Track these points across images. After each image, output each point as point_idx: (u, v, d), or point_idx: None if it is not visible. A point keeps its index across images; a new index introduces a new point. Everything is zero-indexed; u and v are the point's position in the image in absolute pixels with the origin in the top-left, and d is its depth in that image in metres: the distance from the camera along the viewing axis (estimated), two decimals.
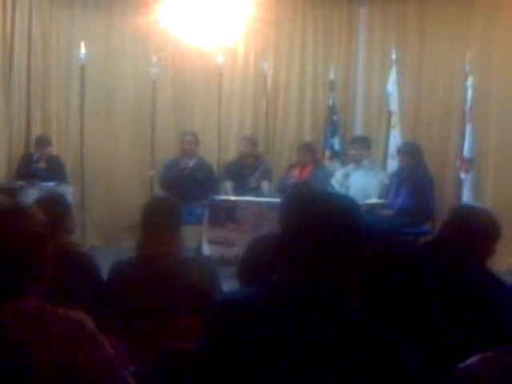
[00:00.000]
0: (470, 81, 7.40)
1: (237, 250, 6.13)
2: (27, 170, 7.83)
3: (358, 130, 8.35)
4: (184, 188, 7.37)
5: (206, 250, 6.94)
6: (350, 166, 7.57)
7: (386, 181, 7.46)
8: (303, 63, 8.54)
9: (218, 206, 7.05)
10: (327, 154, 8.11)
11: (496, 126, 7.70)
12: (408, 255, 2.86)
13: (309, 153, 7.74)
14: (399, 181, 7.20)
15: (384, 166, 7.81)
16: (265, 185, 7.71)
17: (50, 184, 7.44)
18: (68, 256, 3.17)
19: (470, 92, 7.40)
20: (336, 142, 8.12)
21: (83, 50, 7.72)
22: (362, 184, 7.33)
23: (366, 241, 1.70)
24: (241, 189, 7.64)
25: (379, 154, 8.06)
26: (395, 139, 7.75)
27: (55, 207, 3.39)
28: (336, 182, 7.50)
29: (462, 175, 7.41)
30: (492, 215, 2.69)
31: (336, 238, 1.63)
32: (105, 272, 3.34)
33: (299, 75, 8.55)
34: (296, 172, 7.72)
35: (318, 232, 1.63)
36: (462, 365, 1.82)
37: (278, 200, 5.75)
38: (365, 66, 8.41)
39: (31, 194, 6.89)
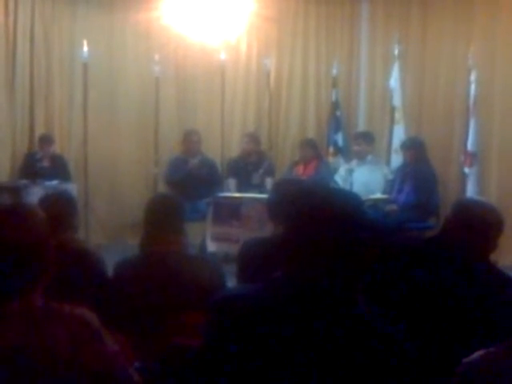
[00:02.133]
0: (473, 75, 7.39)
1: None
2: (31, 168, 7.84)
3: (362, 126, 8.35)
4: (188, 185, 7.37)
5: (210, 246, 6.95)
6: (354, 162, 7.56)
7: (390, 176, 7.46)
8: (306, 59, 8.54)
9: (222, 203, 7.05)
10: (331, 150, 8.11)
11: (499, 120, 7.69)
12: (412, 250, 2.86)
13: (312, 149, 7.75)
14: (403, 176, 7.20)
15: (388, 162, 7.82)
16: (268, 181, 7.70)
17: (54, 182, 7.45)
18: (73, 253, 3.18)
19: (473, 86, 7.39)
20: (339, 138, 8.12)
21: (86, 48, 7.71)
22: (365, 179, 7.33)
23: (370, 236, 1.70)
24: (244, 186, 7.65)
25: (383, 150, 8.06)
26: (399, 134, 7.76)
27: (61, 205, 3.40)
28: (340, 178, 7.50)
29: (466, 169, 7.41)
30: (494, 208, 2.69)
31: (339, 233, 1.64)
32: (109, 270, 3.34)
33: (302, 71, 8.55)
34: (300, 169, 7.72)
35: (321, 228, 1.63)
36: (466, 360, 1.82)
37: None
38: (367, 62, 8.40)
39: (35, 193, 6.91)
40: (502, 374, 1.75)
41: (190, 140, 7.86)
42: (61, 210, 3.34)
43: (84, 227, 7.20)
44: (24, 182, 7.56)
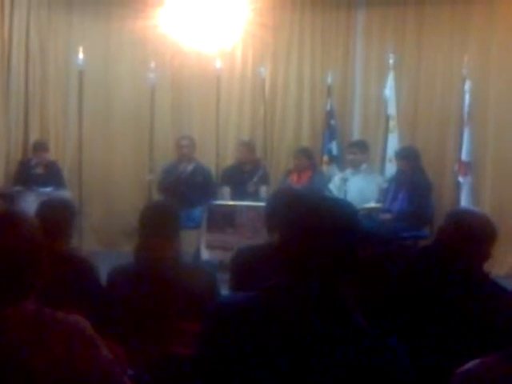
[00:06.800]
0: (467, 85, 7.42)
1: None
2: (25, 175, 7.83)
3: (356, 135, 8.36)
4: (182, 193, 7.37)
5: (205, 254, 6.95)
6: (348, 171, 7.57)
7: (384, 185, 7.46)
8: (301, 68, 8.55)
9: (216, 211, 7.05)
10: (325, 158, 8.10)
11: (494, 129, 7.72)
12: (406, 259, 2.86)
13: (306, 158, 7.74)
14: (397, 185, 7.20)
15: (382, 171, 7.82)
16: (263, 190, 7.70)
17: (48, 189, 7.44)
18: (67, 261, 3.17)
19: (467, 96, 7.42)
20: (334, 147, 8.12)
21: (81, 56, 7.70)
22: (360, 188, 7.33)
23: (364, 245, 1.71)
24: (239, 194, 7.64)
25: (377, 159, 8.07)
26: (393, 143, 7.76)
27: (61, 212, 3.40)
28: (334, 187, 7.51)
29: (460, 179, 7.42)
30: (488, 218, 2.70)
31: (333, 241, 1.64)
32: (103, 277, 3.34)
33: (297, 80, 8.56)
34: (294, 177, 7.72)
35: (315, 236, 1.64)
36: (460, 369, 1.82)
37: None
38: (362, 71, 8.42)
39: (29, 200, 6.91)
40: (496, 383, 1.75)
41: (180, 145, 7.86)
42: (60, 217, 3.34)
43: (78, 234, 7.18)
44: (18, 188, 7.55)
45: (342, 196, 6.92)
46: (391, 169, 7.63)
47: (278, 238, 1.76)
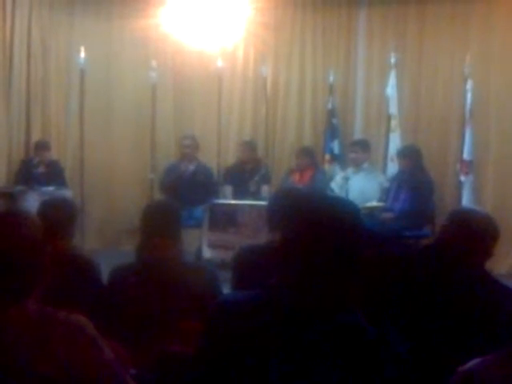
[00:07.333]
0: (469, 84, 7.41)
1: None
2: (27, 174, 7.84)
3: (358, 134, 8.35)
4: (184, 192, 7.37)
5: (206, 253, 6.95)
6: (350, 170, 7.57)
7: (386, 184, 7.45)
8: (302, 67, 8.54)
9: (218, 210, 7.06)
10: (327, 157, 8.10)
11: (495, 128, 7.72)
12: (408, 258, 2.86)
13: (307, 157, 7.74)
14: (399, 184, 7.20)
15: (384, 170, 7.81)
16: (264, 189, 7.70)
17: (50, 188, 7.44)
18: (69, 260, 3.18)
19: (469, 95, 7.41)
20: (336, 146, 8.12)
21: (83, 55, 7.71)
22: (361, 187, 7.33)
23: (366, 243, 1.71)
24: (241, 193, 7.64)
25: (379, 158, 8.06)
26: (395, 142, 7.76)
27: (62, 212, 3.40)
28: (336, 186, 7.50)
29: (462, 178, 7.41)
30: (490, 217, 2.70)
31: (335, 240, 1.64)
32: (104, 276, 3.34)
33: (299, 79, 8.55)
34: (296, 176, 7.72)
35: (317, 235, 1.64)
36: (461, 368, 1.82)
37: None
38: (364, 70, 8.41)
39: (31, 199, 6.92)
40: (499, 382, 1.75)
41: (183, 144, 7.89)
42: (62, 216, 3.34)
43: (80, 233, 7.18)
44: (20, 187, 7.55)
45: (343, 195, 6.91)
46: (393, 168, 7.62)
47: (280, 237, 1.76)
